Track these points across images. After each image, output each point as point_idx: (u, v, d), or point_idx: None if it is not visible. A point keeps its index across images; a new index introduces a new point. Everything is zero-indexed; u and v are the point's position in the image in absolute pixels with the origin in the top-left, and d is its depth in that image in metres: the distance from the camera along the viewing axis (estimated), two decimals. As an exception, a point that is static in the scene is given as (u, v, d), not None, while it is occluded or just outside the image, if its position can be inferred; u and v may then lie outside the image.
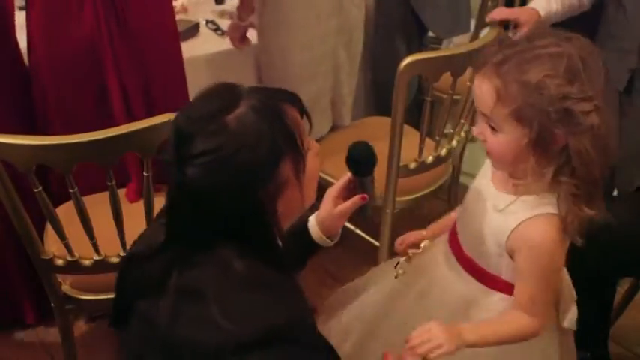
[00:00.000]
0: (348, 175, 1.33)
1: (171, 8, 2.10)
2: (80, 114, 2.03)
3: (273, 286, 1.09)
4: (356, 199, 1.31)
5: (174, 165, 1.04)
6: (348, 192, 1.35)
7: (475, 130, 1.30)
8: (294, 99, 1.12)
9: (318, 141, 1.27)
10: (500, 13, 2.06)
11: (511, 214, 1.30)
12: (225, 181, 1.03)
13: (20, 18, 2.04)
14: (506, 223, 1.30)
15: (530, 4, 2.08)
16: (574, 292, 1.46)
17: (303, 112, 1.13)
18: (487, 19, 2.13)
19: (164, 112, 1.51)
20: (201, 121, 1.03)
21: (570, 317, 1.42)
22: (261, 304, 1.05)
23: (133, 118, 1.96)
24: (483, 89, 1.22)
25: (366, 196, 1.31)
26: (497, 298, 1.39)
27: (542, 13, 2.05)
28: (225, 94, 1.08)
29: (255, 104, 1.05)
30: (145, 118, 1.54)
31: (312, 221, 1.38)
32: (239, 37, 2.27)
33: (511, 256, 1.32)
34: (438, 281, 1.49)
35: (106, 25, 1.92)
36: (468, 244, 1.43)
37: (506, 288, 1.37)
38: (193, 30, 2.44)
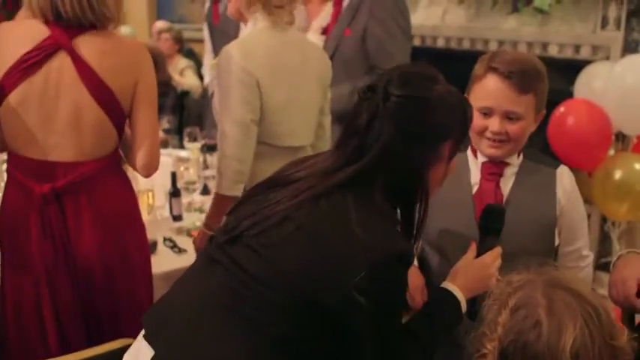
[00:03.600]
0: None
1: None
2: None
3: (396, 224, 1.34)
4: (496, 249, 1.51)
5: (380, 95, 1.28)
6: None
7: None
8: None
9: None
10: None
11: None
12: (410, 124, 1.29)
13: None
14: None
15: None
16: None
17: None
18: None
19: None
20: (416, 77, 1.33)
21: None
22: (392, 232, 1.30)
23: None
24: None
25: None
26: None
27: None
28: (431, 70, 1.37)
29: (450, 89, 1.35)
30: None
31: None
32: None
33: None
34: None
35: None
36: None
37: None
38: (152, 248, 2.41)
